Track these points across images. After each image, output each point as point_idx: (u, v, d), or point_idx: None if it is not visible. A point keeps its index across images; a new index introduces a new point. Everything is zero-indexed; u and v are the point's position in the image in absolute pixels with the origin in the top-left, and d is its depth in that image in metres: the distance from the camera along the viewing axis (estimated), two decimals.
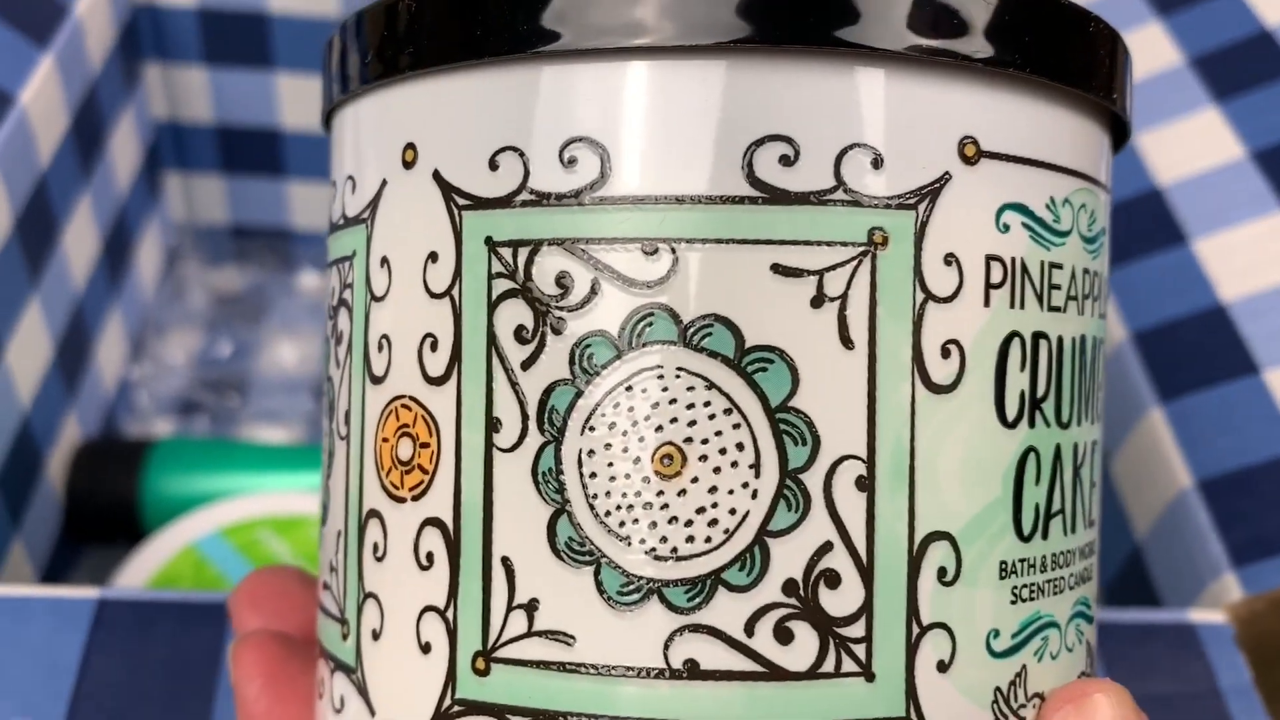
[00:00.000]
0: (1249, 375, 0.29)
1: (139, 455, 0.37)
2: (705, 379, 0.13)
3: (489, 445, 0.14)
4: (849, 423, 0.13)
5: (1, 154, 0.31)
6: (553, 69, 0.14)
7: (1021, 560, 0.14)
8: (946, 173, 0.14)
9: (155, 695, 0.21)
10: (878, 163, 0.13)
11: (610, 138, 0.13)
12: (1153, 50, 0.37)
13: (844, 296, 0.13)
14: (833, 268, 0.13)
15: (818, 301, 0.13)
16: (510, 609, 0.14)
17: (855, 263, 0.13)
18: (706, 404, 0.13)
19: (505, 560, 0.14)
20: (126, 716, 0.21)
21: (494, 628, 0.14)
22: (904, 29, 0.13)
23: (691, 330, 0.13)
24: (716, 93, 0.13)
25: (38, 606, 0.22)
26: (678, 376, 0.13)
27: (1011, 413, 0.14)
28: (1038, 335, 0.14)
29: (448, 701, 0.14)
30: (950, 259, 0.14)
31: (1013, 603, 0.14)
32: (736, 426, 0.13)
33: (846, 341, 0.13)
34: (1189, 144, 0.34)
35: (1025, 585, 0.14)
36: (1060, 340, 0.15)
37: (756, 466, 0.13)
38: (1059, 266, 0.15)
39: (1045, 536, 0.14)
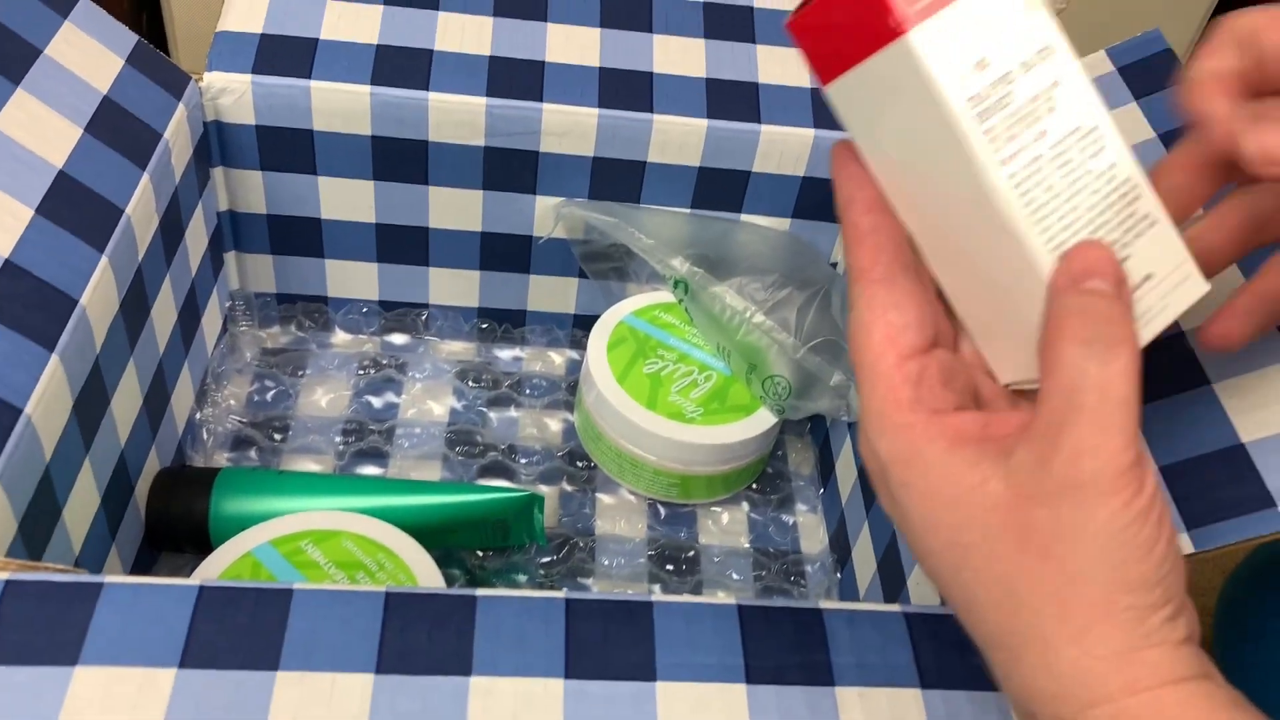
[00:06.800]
0: None
1: (207, 481, 0.47)
2: None
3: None
4: None
5: (113, 253, 0.41)
6: None
7: None
8: None
9: (240, 649, 0.31)
10: None
11: None
12: None
13: None
14: None
15: None
16: None
17: None
18: None
19: None
20: (221, 664, 0.31)
21: None
22: None
23: None
24: None
25: (153, 591, 0.32)
26: None
27: None
28: None
29: None
30: None
31: None
32: None
33: None
34: None
35: None
36: None
37: None
38: None
39: None
